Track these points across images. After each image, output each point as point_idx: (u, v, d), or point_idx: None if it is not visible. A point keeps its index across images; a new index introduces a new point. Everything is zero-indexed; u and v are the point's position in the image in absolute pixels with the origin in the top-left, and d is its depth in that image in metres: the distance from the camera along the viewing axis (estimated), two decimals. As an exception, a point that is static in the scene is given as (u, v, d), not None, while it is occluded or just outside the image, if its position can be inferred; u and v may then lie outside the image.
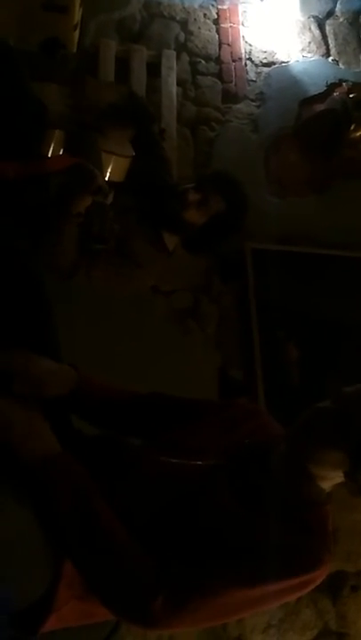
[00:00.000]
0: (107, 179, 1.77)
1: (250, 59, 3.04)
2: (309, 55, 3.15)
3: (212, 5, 3.08)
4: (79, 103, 1.82)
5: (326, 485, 1.08)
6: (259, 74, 3.02)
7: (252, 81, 3.00)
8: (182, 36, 2.97)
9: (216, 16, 3.07)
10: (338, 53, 3.20)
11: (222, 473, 1.10)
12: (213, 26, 3.05)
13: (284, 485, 1.07)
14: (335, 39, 3.23)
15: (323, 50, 3.19)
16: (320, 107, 2.91)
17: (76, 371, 1.25)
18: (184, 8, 3.03)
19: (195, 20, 3.03)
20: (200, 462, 1.12)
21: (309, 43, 3.17)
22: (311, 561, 1.00)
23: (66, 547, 1.02)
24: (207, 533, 1.02)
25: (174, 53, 2.84)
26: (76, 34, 2.46)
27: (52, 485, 1.03)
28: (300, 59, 3.12)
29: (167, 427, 1.25)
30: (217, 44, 3.02)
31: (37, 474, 1.03)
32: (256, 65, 3.04)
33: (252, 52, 3.06)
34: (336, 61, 3.18)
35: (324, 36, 3.22)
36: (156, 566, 0.98)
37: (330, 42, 3.22)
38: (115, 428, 1.31)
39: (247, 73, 3.01)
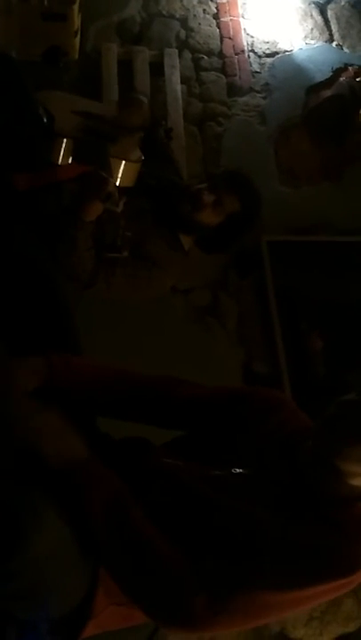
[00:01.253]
0: (117, 184, 1.76)
1: (253, 50, 3.02)
2: (313, 42, 3.11)
3: (211, 0, 3.07)
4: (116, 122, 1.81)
5: (359, 482, 1.05)
6: (263, 65, 3.00)
7: (257, 72, 2.98)
8: (183, 34, 2.96)
9: (215, 10, 3.06)
10: (342, 37, 3.15)
11: (250, 479, 1.09)
12: (213, 20, 3.04)
13: (313, 484, 1.06)
14: (338, 23, 3.19)
15: (326, 35, 3.15)
16: (327, 93, 2.89)
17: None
18: (183, 5, 3.02)
19: (194, 16, 3.02)
20: (230, 470, 1.11)
21: (312, 29, 3.14)
22: (346, 564, 0.99)
23: (101, 553, 1.03)
24: (237, 538, 1.01)
25: (176, 51, 2.84)
26: (77, 40, 2.48)
27: (83, 490, 1.03)
28: (304, 46, 3.08)
29: (181, 422, 1.24)
30: (218, 38, 3.01)
31: (69, 479, 1.04)
32: (259, 56, 3.02)
33: (255, 43, 3.03)
34: (340, 46, 3.13)
35: (327, 22, 3.18)
36: (195, 568, 0.97)
37: (333, 26, 3.17)
38: (122, 417, 1.27)
39: (251, 65, 2.98)
